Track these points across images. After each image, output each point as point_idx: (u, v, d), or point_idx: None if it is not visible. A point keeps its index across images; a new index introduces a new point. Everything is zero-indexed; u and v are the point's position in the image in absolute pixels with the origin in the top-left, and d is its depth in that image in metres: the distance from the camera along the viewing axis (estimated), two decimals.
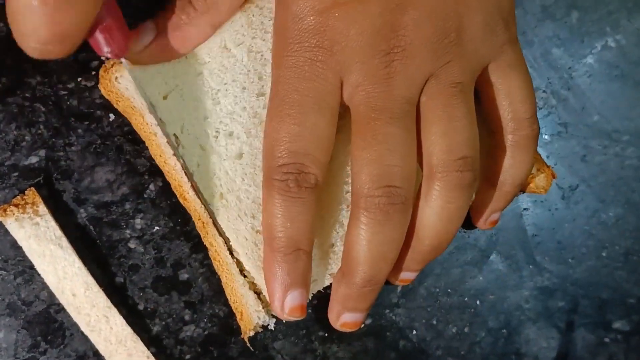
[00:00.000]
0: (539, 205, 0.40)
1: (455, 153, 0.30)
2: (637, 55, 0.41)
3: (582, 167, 0.40)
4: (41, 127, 0.35)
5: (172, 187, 0.34)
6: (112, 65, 0.34)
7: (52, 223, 0.34)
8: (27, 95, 0.35)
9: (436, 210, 0.31)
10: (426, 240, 0.32)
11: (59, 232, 0.34)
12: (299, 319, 0.32)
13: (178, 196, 0.34)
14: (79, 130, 0.35)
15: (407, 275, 0.34)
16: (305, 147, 0.30)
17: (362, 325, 0.34)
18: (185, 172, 0.34)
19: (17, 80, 0.35)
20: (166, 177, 0.35)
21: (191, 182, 0.34)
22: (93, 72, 0.36)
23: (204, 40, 0.34)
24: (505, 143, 0.33)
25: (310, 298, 0.37)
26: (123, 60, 0.33)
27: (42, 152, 0.35)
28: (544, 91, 0.40)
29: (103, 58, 0.35)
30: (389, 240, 0.30)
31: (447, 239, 0.32)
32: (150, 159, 0.36)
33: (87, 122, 0.35)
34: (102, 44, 0.29)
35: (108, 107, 0.35)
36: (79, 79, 0.35)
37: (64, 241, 0.34)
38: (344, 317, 0.33)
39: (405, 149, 0.30)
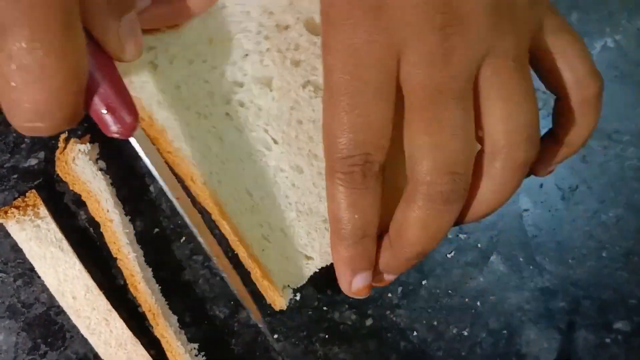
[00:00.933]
0: (539, 206, 0.40)
1: (520, 133, 0.30)
2: (637, 56, 0.41)
3: (583, 168, 0.40)
4: None
5: (124, 275, 0.34)
6: (67, 147, 0.33)
7: (53, 225, 0.34)
8: None
9: (496, 188, 0.31)
10: (482, 215, 0.32)
11: (59, 235, 0.34)
12: (363, 297, 0.32)
13: (129, 285, 0.34)
14: (78, 132, 0.35)
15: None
16: (369, 136, 0.29)
17: (359, 323, 0.33)
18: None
19: None
20: (118, 264, 0.34)
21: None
22: None
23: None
24: (571, 104, 0.32)
25: (310, 300, 0.37)
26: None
27: (42, 154, 0.35)
28: (544, 92, 0.40)
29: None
30: (445, 226, 0.30)
31: (494, 211, 0.32)
32: None
33: (86, 124, 0.35)
34: (106, 122, 0.26)
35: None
36: None
37: (65, 243, 0.34)
38: (383, 276, 0.32)
39: (467, 131, 0.29)
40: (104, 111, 0.26)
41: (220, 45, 0.33)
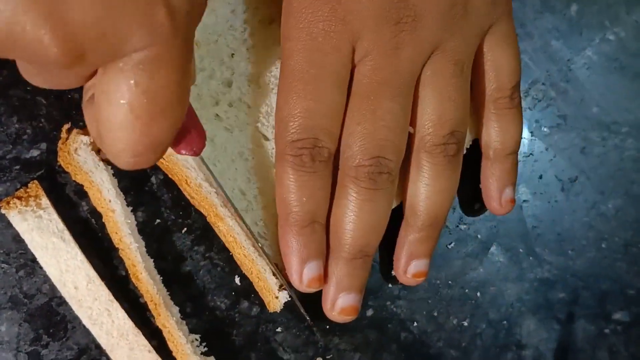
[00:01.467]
0: (538, 197, 0.40)
1: (446, 128, 0.31)
2: (636, 48, 0.41)
3: (582, 159, 0.40)
4: (42, 120, 0.35)
5: (126, 265, 0.34)
6: (69, 138, 0.34)
7: (55, 216, 0.34)
8: (28, 88, 0.35)
9: (428, 182, 0.32)
10: (422, 213, 0.33)
11: (61, 225, 0.34)
12: (317, 289, 0.32)
13: (131, 275, 0.34)
14: (81, 123, 0.35)
15: (418, 265, 0.34)
16: (319, 121, 0.30)
17: (359, 314, 0.34)
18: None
19: (18, 73, 0.35)
20: (120, 254, 0.34)
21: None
22: None
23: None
24: (489, 113, 0.34)
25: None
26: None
27: (44, 145, 0.35)
28: (543, 83, 0.41)
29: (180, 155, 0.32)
30: (377, 209, 0.31)
31: (442, 211, 0.33)
32: None
33: None
34: (184, 146, 0.27)
35: None
36: None
37: (67, 234, 0.34)
38: (339, 303, 0.32)
39: (400, 124, 0.31)
40: (183, 137, 0.27)
41: (206, 46, 0.34)
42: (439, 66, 0.31)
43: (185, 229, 0.36)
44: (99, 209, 0.34)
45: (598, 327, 0.40)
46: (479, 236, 0.39)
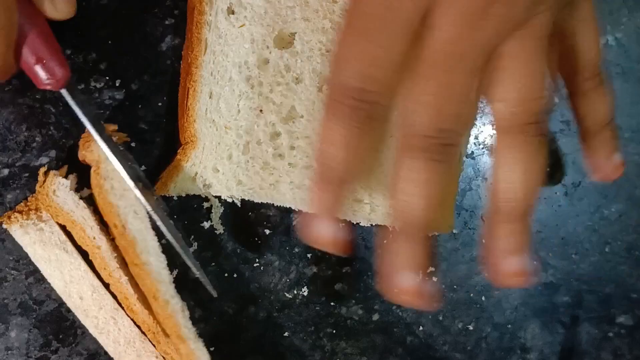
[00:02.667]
0: (542, 202, 0.40)
1: (537, 106, 0.29)
2: (638, 53, 0.42)
3: (585, 164, 0.40)
4: (51, 128, 0.35)
5: (119, 299, 0.34)
6: (46, 180, 0.34)
7: (56, 228, 0.34)
8: (37, 96, 0.35)
9: (522, 164, 0.29)
10: (519, 200, 0.30)
11: (63, 237, 0.34)
12: (337, 252, 0.30)
13: (125, 308, 0.34)
14: (59, 164, 0.35)
15: (514, 263, 0.30)
16: (383, 74, 0.27)
17: (365, 318, 0.34)
18: None
19: (28, 81, 0.35)
20: (111, 289, 0.34)
21: None
22: (102, 74, 0.36)
23: None
24: (584, 91, 0.33)
25: (318, 295, 0.37)
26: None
27: (53, 153, 0.35)
28: (546, 89, 0.41)
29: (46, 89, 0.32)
30: (440, 182, 0.28)
31: (536, 196, 0.30)
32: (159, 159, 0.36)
33: (64, 156, 0.36)
34: (37, 74, 0.28)
35: (117, 107, 0.36)
36: (89, 80, 0.36)
37: (69, 245, 0.34)
38: (401, 280, 0.29)
39: (472, 100, 0.28)
40: (35, 63, 0.28)
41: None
42: (526, 42, 0.28)
43: (193, 236, 0.36)
44: (84, 247, 0.34)
45: (602, 330, 0.40)
46: (484, 241, 0.39)
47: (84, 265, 0.34)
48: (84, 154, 0.33)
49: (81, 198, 0.34)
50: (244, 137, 0.35)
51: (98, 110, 0.36)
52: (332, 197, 0.29)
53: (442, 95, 0.28)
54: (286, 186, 0.35)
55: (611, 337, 0.40)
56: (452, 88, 0.28)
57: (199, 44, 0.34)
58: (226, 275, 0.36)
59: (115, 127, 0.34)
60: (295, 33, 0.35)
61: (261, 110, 0.35)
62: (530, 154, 0.29)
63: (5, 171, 0.35)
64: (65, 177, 0.34)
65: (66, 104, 0.35)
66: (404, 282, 0.29)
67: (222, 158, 0.35)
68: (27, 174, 0.35)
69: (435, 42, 0.27)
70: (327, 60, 0.35)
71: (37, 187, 0.34)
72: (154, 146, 0.36)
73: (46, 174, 0.34)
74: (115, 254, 0.34)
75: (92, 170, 0.33)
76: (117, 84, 0.36)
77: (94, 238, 0.34)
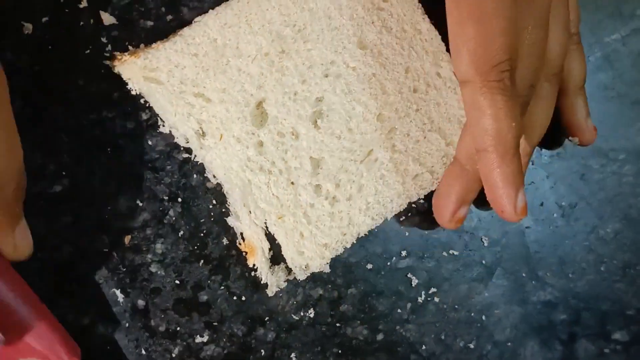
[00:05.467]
0: (540, 223, 0.41)
1: (562, 59, 0.36)
2: (632, 77, 0.43)
3: (581, 185, 0.42)
4: (65, 156, 0.36)
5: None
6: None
7: None
8: (51, 126, 0.36)
9: (546, 109, 0.36)
10: (534, 140, 0.36)
11: None
12: (522, 218, 0.32)
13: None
14: (101, 159, 0.37)
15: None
16: (513, 42, 0.30)
17: (370, 338, 0.35)
18: None
19: (41, 111, 0.36)
20: None
21: None
22: (114, 104, 0.37)
23: None
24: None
25: (324, 316, 0.38)
26: None
27: (66, 181, 0.36)
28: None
29: None
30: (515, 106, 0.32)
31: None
32: (169, 185, 0.37)
33: (109, 151, 0.37)
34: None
35: (128, 135, 0.37)
36: (101, 110, 0.37)
37: None
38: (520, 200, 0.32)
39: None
40: None
41: None
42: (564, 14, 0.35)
43: (203, 260, 0.37)
44: None
45: (598, 346, 0.41)
46: (484, 261, 0.40)
47: None
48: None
49: None
50: (297, 212, 0.36)
51: (110, 138, 0.37)
52: (515, 166, 0.31)
53: (541, 56, 0.33)
54: (358, 217, 0.37)
55: (607, 354, 0.41)
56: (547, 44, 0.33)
57: None
58: (235, 298, 0.38)
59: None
60: (261, 101, 0.36)
61: (292, 182, 0.36)
62: (552, 100, 0.36)
63: None
64: None
65: (77, 133, 0.37)
66: (514, 199, 0.31)
67: (297, 242, 0.36)
68: (41, 202, 0.36)
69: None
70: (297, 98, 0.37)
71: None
72: (165, 174, 0.37)
73: None
74: None
75: None
76: (129, 113, 0.37)
77: None
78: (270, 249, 0.37)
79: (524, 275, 0.41)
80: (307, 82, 0.36)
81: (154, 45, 0.36)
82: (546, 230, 0.41)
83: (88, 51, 0.37)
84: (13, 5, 0.36)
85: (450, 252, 0.40)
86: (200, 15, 0.37)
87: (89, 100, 0.37)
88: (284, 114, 0.36)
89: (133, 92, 0.36)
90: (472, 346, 0.40)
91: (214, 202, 0.37)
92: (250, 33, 0.36)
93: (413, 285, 0.39)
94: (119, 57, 0.35)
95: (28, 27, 0.36)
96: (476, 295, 0.40)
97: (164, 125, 0.37)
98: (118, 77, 0.36)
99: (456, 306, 0.40)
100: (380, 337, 0.39)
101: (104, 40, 0.37)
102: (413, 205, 0.39)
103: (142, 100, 0.37)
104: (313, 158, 0.37)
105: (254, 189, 0.36)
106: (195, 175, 0.37)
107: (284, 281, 0.37)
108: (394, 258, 0.39)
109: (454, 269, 0.40)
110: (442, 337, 0.40)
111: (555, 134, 0.39)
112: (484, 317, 0.40)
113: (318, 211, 0.36)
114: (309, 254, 0.36)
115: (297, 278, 0.37)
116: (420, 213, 0.40)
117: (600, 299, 0.42)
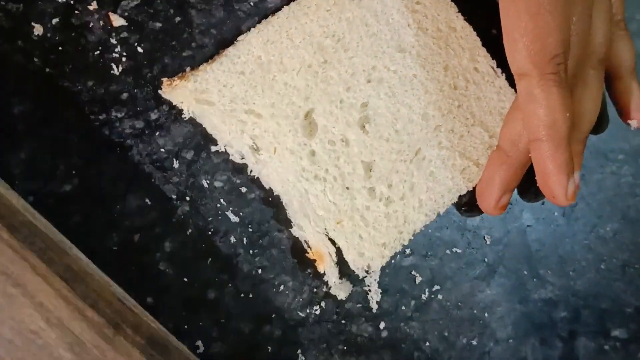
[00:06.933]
0: (541, 222, 0.42)
1: (606, 47, 0.36)
2: None
3: (581, 186, 0.43)
4: (75, 156, 0.37)
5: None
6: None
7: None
8: (61, 127, 0.37)
9: (594, 96, 0.36)
10: (586, 127, 0.37)
11: None
12: (571, 203, 0.34)
13: None
14: (111, 159, 0.37)
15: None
16: (566, 35, 0.32)
17: (374, 335, 0.35)
18: None
19: (52, 113, 0.37)
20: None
21: None
22: (123, 104, 0.38)
23: None
24: (617, 35, 0.38)
25: (329, 314, 0.39)
26: None
27: (76, 181, 0.37)
28: None
29: None
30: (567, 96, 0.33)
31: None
32: (178, 184, 0.38)
33: (118, 151, 0.37)
34: None
35: (137, 135, 0.38)
36: (110, 111, 0.37)
37: None
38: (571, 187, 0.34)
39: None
40: None
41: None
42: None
43: (210, 258, 0.38)
44: None
45: (598, 343, 0.42)
46: (486, 260, 0.41)
47: None
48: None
49: None
50: (354, 215, 0.37)
51: (119, 138, 0.37)
52: (568, 154, 0.32)
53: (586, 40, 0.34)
54: (413, 214, 0.38)
55: (607, 350, 0.42)
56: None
57: None
58: (242, 295, 0.38)
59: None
60: (309, 112, 0.37)
61: (347, 187, 0.37)
62: (600, 88, 0.36)
63: (30, 198, 0.37)
64: None
65: (86, 134, 0.37)
66: (565, 185, 0.33)
67: (357, 244, 0.37)
68: (52, 201, 0.37)
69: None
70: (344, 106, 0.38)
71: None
72: (173, 173, 0.38)
73: None
74: None
75: None
76: (138, 114, 0.38)
77: None
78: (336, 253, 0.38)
79: (525, 273, 0.42)
80: (352, 89, 0.37)
81: (200, 67, 0.37)
82: (547, 230, 0.42)
83: (97, 52, 0.37)
84: (23, 8, 0.37)
85: (454, 250, 0.41)
86: (207, 19, 0.37)
87: (98, 101, 0.37)
88: (332, 122, 0.37)
89: (184, 116, 0.37)
90: (474, 343, 0.41)
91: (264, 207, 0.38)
92: (293, 47, 0.37)
93: (417, 283, 0.40)
94: (168, 83, 0.36)
95: (38, 29, 0.37)
96: (478, 293, 0.41)
97: (217, 144, 0.38)
98: (127, 80, 0.37)
99: (459, 304, 0.41)
100: (384, 334, 0.40)
101: (113, 41, 0.38)
102: None
103: (151, 101, 0.37)
104: (364, 162, 0.38)
105: (311, 197, 0.37)
106: (203, 175, 0.38)
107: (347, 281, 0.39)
108: (398, 256, 0.40)
109: (457, 267, 0.41)
110: (445, 334, 0.40)
111: None
112: (486, 315, 0.41)
113: (374, 213, 0.37)
114: (369, 255, 0.37)
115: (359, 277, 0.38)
116: None
117: (599, 297, 0.42)
